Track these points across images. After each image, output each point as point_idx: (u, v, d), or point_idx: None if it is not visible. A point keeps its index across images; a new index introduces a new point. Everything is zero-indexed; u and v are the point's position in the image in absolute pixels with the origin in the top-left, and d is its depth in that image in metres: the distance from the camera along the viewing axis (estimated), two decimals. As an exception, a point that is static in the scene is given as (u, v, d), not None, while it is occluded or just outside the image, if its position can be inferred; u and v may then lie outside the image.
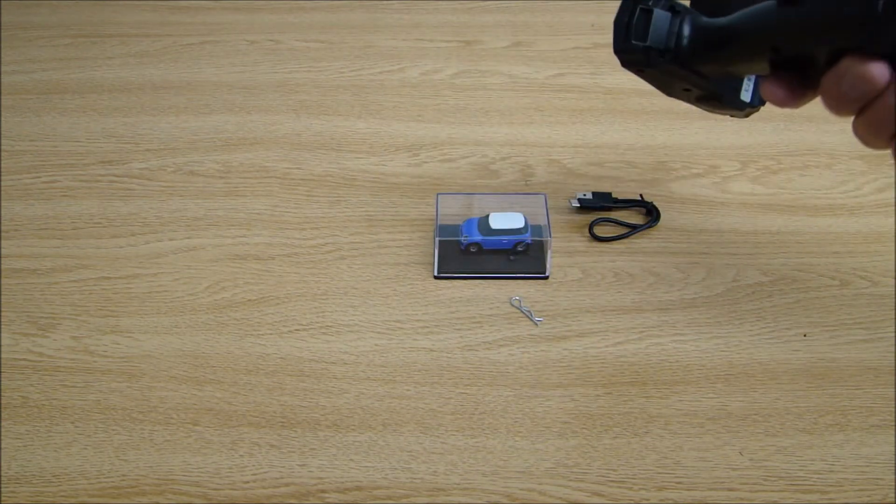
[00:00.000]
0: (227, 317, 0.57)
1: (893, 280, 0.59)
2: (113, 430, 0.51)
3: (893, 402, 0.52)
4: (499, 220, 0.59)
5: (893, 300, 0.58)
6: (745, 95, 0.50)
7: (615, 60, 0.50)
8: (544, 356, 0.55)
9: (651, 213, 0.64)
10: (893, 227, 0.63)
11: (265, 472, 0.49)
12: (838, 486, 0.48)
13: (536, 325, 0.57)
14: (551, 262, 0.60)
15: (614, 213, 0.64)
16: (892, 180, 0.67)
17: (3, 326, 0.57)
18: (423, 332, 0.56)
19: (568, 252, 0.61)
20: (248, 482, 0.49)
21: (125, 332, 0.56)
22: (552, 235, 0.61)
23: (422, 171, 0.68)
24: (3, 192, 0.66)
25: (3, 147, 0.71)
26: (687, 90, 0.50)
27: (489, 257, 0.60)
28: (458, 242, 0.60)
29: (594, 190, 0.65)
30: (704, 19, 0.46)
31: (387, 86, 0.77)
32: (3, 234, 0.63)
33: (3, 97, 0.76)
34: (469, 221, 0.60)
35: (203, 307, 0.58)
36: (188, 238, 0.62)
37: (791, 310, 0.57)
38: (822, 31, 0.37)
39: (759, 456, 0.50)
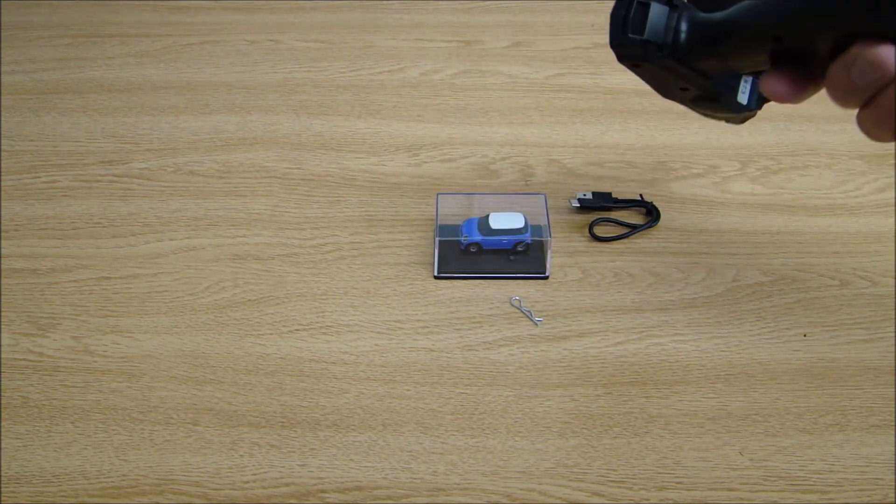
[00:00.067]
0: (227, 317, 0.57)
1: (893, 280, 0.59)
2: (113, 430, 0.51)
3: (893, 402, 0.52)
4: (499, 220, 0.59)
5: (893, 300, 0.58)
6: (742, 97, 0.49)
7: (615, 60, 0.50)
8: (544, 356, 0.55)
9: (651, 213, 0.64)
10: (893, 227, 0.63)
11: (265, 472, 0.49)
12: (838, 486, 0.48)
13: (536, 325, 0.57)
14: (551, 262, 0.60)
15: (614, 213, 0.64)
16: (892, 180, 0.67)
17: (3, 326, 0.57)
18: (423, 332, 0.56)
19: (568, 252, 0.61)
20: (248, 482, 0.49)
21: (125, 332, 0.56)
22: (552, 235, 0.61)
23: (422, 171, 0.68)
24: (3, 192, 0.66)
25: (3, 147, 0.71)
26: (684, 89, 0.49)
27: (489, 257, 0.60)
28: (458, 242, 0.60)
29: (594, 190, 0.65)
30: (702, 14, 0.45)
31: (387, 86, 0.77)
32: (3, 234, 0.63)
33: (3, 97, 0.76)
34: (469, 221, 0.60)
35: (203, 307, 0.58)
36: (188, 238, 0.62)
37: (791, 310, 0.57)
38: (828, 17, 0.35)
39: (759, 456, 0.50)
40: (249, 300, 0.58)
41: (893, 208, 0.64)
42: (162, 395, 0.53)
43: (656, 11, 0.46)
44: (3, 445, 0.50)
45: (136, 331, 0.56)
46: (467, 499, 0.48)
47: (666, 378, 0.53)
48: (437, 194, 0.63)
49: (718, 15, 0.43)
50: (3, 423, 0.51)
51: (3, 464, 0.49)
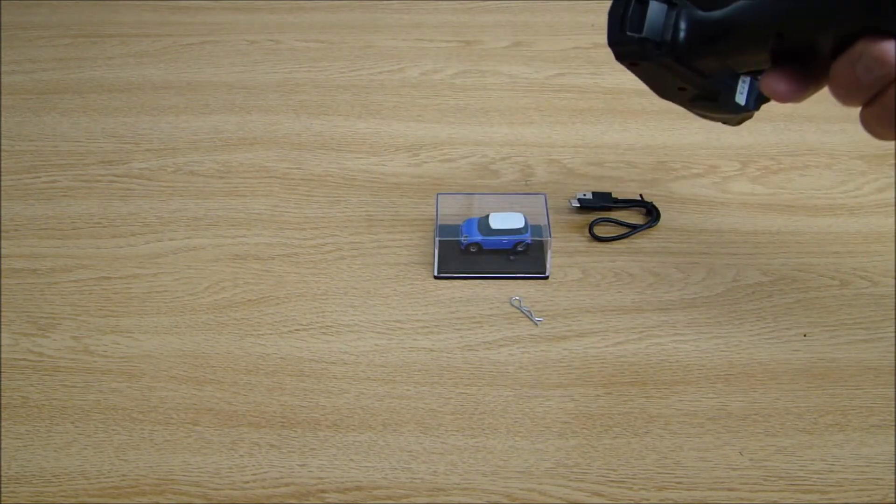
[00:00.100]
0: (227, 317, 0.57)
1: (893, 280, 0.59)
2: (113, 430, 0.51)
3: (893, 402, 0.52)
4: (499, 220, 0.59)
5: (893, 300, 0.58)
6: (741, 98, 0.48)
7: (615, 60, 0.50)
8: (544, 356, 0.55)
9: (651, 213, 0.64)
10: (893, 227, 0.63)
11: (265, 472, 0.49)
12: (838, 486, 0.48)
13: (536, 325, 0.57)
14: (551, 262, 0.60)
15: (614, 213, 0.64)
16: (892, 180, 0.67)
17: (3, 326, 0.57)
18: (423, 332, 0.56)
19: (568, 252, 0.61)
20: (248, 482, 0.49)
21: (125, 332, 0.56)
22: (552, 235, 0.61)
23: (422, 171, 0.68)
24: (3, 192, 0.66)
25: (3, 147, 0.71)
26: (682, 89, 0.48)
27: (489, 257, 0.60)
28: (458, 242, 0.60)
29: (594, 190, 0.65)
30: (701, 12, 0.44)
31: (387, 86, 0.77)
32: (3, 234, 0.63)
33: (3, 97, 0.76)
34: (469, 221, 0.60)
35: (203, 307, 0.58)
36: (188, 238, 0.62)
37: (791, 310, 0.57)
38: (832, 14, 0.35)
39: (759, 456, 0.50)
40: (249, 300, 0.58)
41: (893, 208, 0.64)
42: (162, 395, 0.53)
43: (655, 9, 0.45)
44: (3, 445, 0.50)
45: (136, 331, 0.56)
46: (467, 499, 0.48)
47: (666, 378, 0.53)
48: (437, 194, 0.63)
49: (718, 13, 0.43)
50: (3, 423, 0.51)
51: (3, 464, 0.49)
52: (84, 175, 0.68)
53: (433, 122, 0.73)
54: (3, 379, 0.54)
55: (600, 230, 0.63)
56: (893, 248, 0.61)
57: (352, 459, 0.50)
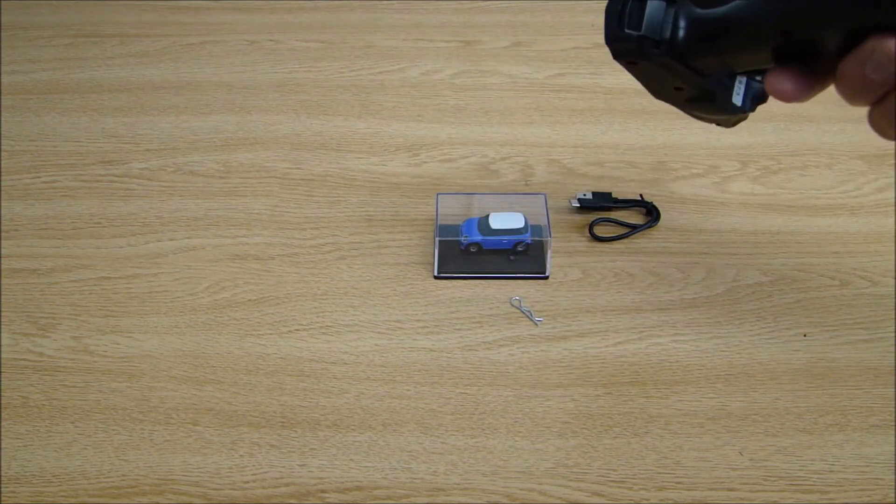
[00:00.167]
0: (227, 317, 0.57)
1: (893, 280, 0.59)
2: (113, 430, 0.51)
3: (893, 402, 0.52)
4: (499, 220, 0.59)
5: (893, 300, 0.58)
6: (737, 98, 0.46)
7: (613, 59, 0.49)
8: (544, 356, 0.55)
9: (651, 213, 0.64)
10: (893, 227, 0.63)
11: (265, 472, 0.49)
12: (838, 486, 0.48)
13: (536, 325, 0.57)
14: (551, 262, 0.60)
15: (614, 213, 0.64)
16: (892, 180, 0.67)
17: (3, 326, 0.57)
18: (423, 332, 0.56)
19: (568, 252, 0.61)
20: (248, 482, 0.49)
21: (125, 332, 0.56)
22: (552, 235, 0.61)
23: (422, 171, 0.68)
24: (3, 192, 0.66)
25: (3, 147, 0.71)
26: (679, 89, 0.48)
27: (489, 257, 0.60)
28: (458, 242, 0.60)
29: (594, 190, 0.65)
30: (701, 10, 0.43)
31: (387, 86, 0.77)
32: (3, 234, 0.63)
33: (3, 97, 0.76)
34: (469, 221, 0.60)
35: (203, 307, 0.58)
36: (188, 238, 0.62)
37: (791, 310, 0.57)
38: (843, 9, 0.34)
39: (759, 456, 0.50)
40: (249, 300, 0.58)
41: (893, 208, 0.64)
42: (162, 395, 0.53)
43: (653, 6, 0.44)
44: (3, 445, 0.50)
45: (136, 331, 0.56)
46: (467, 499, 0.48)
47: (666, 378, 0.53)
48: (437, 194, 0.63)
49: (719, 10, 0.42)
50: (3, 423, 0.51)
51: (3, 464, 0.49)
52: (84, 175, 0.68)
53: (433, 122, 0.73)
54: (3, 379, 0.54)
55: (600, 230, 0.63)
56: (893, 248, 0.61)
57: (352, 459, 0.50)
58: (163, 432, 0.51)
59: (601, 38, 0.48)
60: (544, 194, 0.62)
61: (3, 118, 0.74)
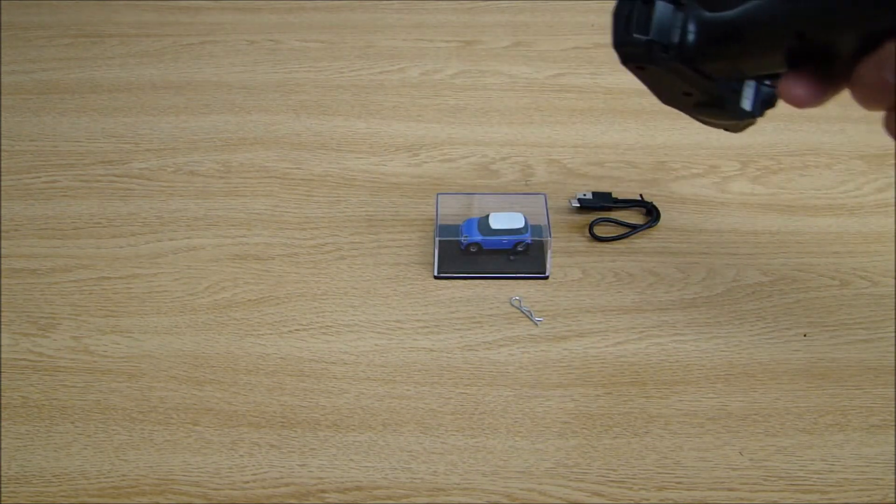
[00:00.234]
0: (227, 317, 0.57)
1: (893, 280, 0.59)
2: (113, 430, 0.51)
3: (893, 402, 0.52)
4: (499, 220, 0.59)
5: (893, 300, 0.58)
6: (746, 103, 0.45)
7: (615, 60, 0.49)
8: (544, 356, 0.55)
9: (651, 213, 0.64)
10: (893, 227, 0.63)
11: (265, 472, 0.49)
12: (838, 486, 0.48)
13: (536, 325, 0.57)
14: (551, 262, 0.60)
15: (614, 213, 0.64)
16: (892, 180, 0.67)
17: (3, 326, 0.57)
18: (423, 332, 0.56)
19: (568, 252, 0.61)
20: (248, 482, 0.49)
21: (125, 332, 0.56)
22: (552, 235, 0.61)
23: (422, 171, 0.68)
24: (3, 192, 0.66)
25: (3, 147, 0.71)
26: (687, 94, 0.46)
27: (489, 257, 0.60)
28: (458, 242, 0.60)
29: (594, 190, 0.65)
30: (711, 14, 0.42)
31: (387, 86, 0.77)
32: (3, 234, 0.63)
33: (3, 97, 0.76)
34: (469, 221, 0.60)
35: (203, 307, 0.58)
36: (188, 238, 0.62)
37: (791, 310, 0.57)
38: (862, 11, 0.33)
39: (759, 456, 0.50)
40: (249, 300, 0.58)
41: (893, 208, 0.64)
42: (162, 395, 0.53)
43: (662, 10, 0.43)
44: (3, 445, 0.50)
45: (136, 331, 0.56)
46: (467, 499, 0.48)
47: (666, 378, 0.53)
48: (437, 194, 0.63)
49: (730, 13, 0.40)
50: (3, 423, 0.51)
51: (3, 464, 0.49)
52: (84, 175, 0.68)
53: (433, 122, 0.73)
54: (3, 379, 0.54)
55: (600, 230, 0.63)
56: (893, 248, 0.61)
57: (352, 459, 0.50)
58: (163, 432, 0.51)
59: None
60: (544, 194, 0.62)
61: (3, 118, 0.74)
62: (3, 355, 0.55)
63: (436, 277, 0.60)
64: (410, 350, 0.55)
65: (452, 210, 0.62)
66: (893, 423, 0.51)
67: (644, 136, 0.71)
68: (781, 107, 0.43)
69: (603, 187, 0.66)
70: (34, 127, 0.73)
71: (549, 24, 0.85)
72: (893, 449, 0.50)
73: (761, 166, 0.68)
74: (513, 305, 0.58)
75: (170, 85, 0.77)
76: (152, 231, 0.63)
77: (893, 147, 0.69)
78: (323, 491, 0.48)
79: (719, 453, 0.50)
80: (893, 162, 0.68)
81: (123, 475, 0.49)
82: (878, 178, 0.67)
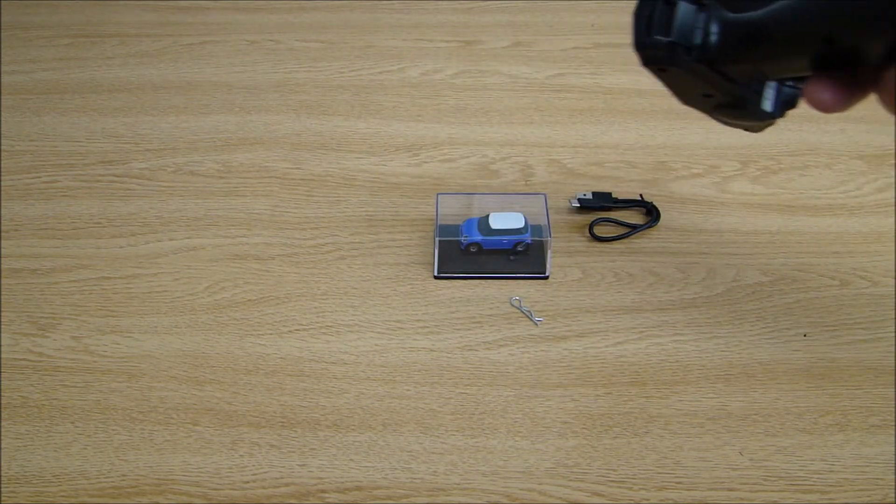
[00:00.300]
0: (227, 317, 0.57)
1: (893, 280, 0.59)
2: (113, 430, 0.51)
3: (893, 402, 0.52)
4: (499, 220, 0.59)
5: (893, 300, 0.58)
6: (767, 104, 0.43)
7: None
8: (544, 356, 0.55)
9: (651, 213, 0.64)
10: (893, 227, 0.63)
11: (265, 472, 0.49)
12: (838, 486, 0.48)
13: (536, 325, 0.57)
14: (551, 262, 0.60)
15: (614, 213, 0.64)
16: (892, 180, 0.67)
17: (3, 326, 0.57)
18: (423, 332, 0.56)
19: (568, 252, 0.61)
20: (248, 482, 0.49)
21: (125, 332, 0.56)
22: (552, 235, 0.61)
23: (422, 171, 0.68)
24: (3, 192, 0.66)
25: (3, 147, 0.71)
26: (708, 95, 0.45)
27: (489, 257, 0.60)
28: (458, 242, 0.60)
29: (594, 190, 0.65)
30: (734, 15, 0.41)
31: (387, 86, 0.77)
32: (3, 234, 0.63)
33: (3, 97, 0.76)
34: (469, 221, 0.60)
35: (203, 307, 0.58)
36: (188, 238, 0.62)
37: (791, 310, 0.57)
38: (894, 16, 0.32)
39: (759, 456, 0.50)
40: (249, 300, 0.58)
41: (893, 208, 0.64)
42: (162, 395, 0.53)
43: (684, 11, 0.42)
44: (3, 445, 0.50)
45: (136, 331, 0.56)
46: (467, 499, 0.48)
47: (666, 378, 0.53)
48: (437, 194, 0.63)
49: (754, 14, 0.39)
50: (3, 423, 0.51)
51: (3, 464, 0.49)
52: (84, 175, 0.68)
53: (433, 122, 0.73)
54: (3, 379, 0.54)
55: (600, 230, 0.63)
56: (893, 248, 0.61)
57: (352, 459, 0.50)
58: (163, 432, 0.51)
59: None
60: (544, 194, 0.62)
61: (3, 118, 0.74)
62: (3, 355, 0.55)
63: (436, 277, 0.60)
64: (410, 350, 0.55)
65: (452, 210, 0.62)
66: (893, 423, 0.51)
67: (644, 136, 0.71)
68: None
69: (603, 187, 0.66)
70: (34, 127, 0.73)
71: (549, 24, 0.85)
72: (893, 449, 0.50)
73: (761, 166, 0.68)
74: (513, 305, 0.58)
75: (170, 85, 0.77)
76: (152, 231, 0.63)
77: (893, 147, 0.69)
78: (323, 491, 0.48)
79: (719, 453, 0.50)
80: (893, 162, 0.68)
81: (123, 475, 0.49)
82: (878, 178, 0.67)
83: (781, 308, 0.57)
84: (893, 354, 0.54)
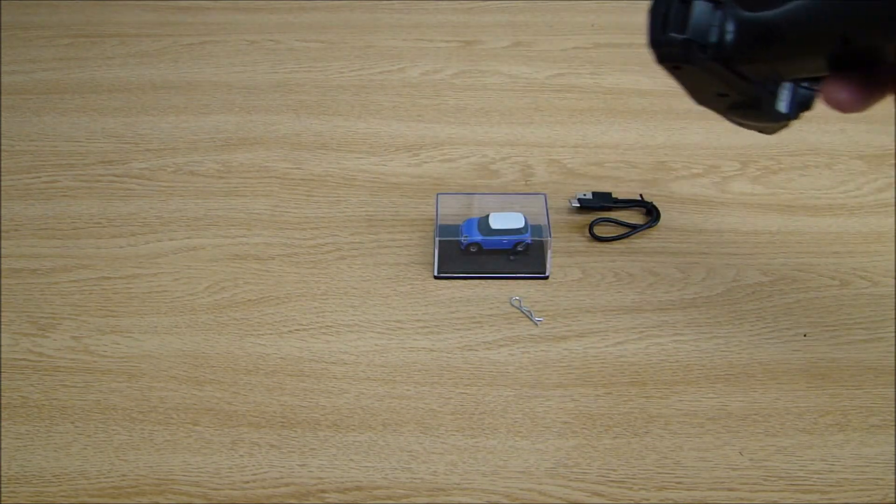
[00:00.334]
0: (227, 317, 0.57)
1: (893, 280, 0.59)
2: (113, 430, 0.51)
3: (893, 402, 0.52)
4: (499, 220, 0.59)
5: (893, 300, 0.58)
6: (782, 105, 0.43)
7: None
8: (544, 356, 0.55)
9: (651, 213, 0.64)
10: (893, 227, 0.63)
11: (265, 472, 0.49)
12: (838, 486, 0.48)
13: (536, 325, 0.57)
14: (551, 262, 0.60)
15: (614, 213, 0.64)
16: (892, 180, 0.67)
17: (3, 326, 0.57)
18: (423, 332, 0.56)
19: (568, 252, 0.61)
20: (248, 482, 0.49)
21: (125, 332, 0.56)
22: (552, 235, 0.61)
23: (422, 171, 0.68)
24: (3, 192, 0.66)
25: (3, 147, 0.71)
26: (723, 95, 0.45)
27: (489, 257, 0.60)
28: (458, 242, 0.60)
29: (594, 190, 0.65)
30: (750, 13, 0.40)
31: (387, 86, 0.77)
32: (3, 234, 0.63)
33: (3, 97, 0.76)
34: (469, 221, 0.60)
35: (203, 307, 0.58)
36: (188, 238, 0.62)
37: (791, 310, 0.57)
38: None
39: (759, 456, 0.50)
40: (249, 300, 0.58)
41: (893, 208, 0.64)
42: (162, 395, 0.53)
43: (700, 8, 0.41)
44: (3, 445, 0.50)
45: (136, 331, 0.56)
46: (467, 499, 0.48)
47: (666, 378, 0.53)
48: (437, 194, 0.63)
49: (771, 13, 0.39)
50: (3, 423, 0.51)
51: (3, 464, 0.49)
52: (84, 175, 0.68)
53: (433, 122, 0.73)
54: (3, 379, 0.54)
55: (600, 230, 0.63)
56: (893, 248, 0.61)
57: (352, 459, 0.50)
58: (163, 432, 0.51)
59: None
60: (544, 194, 0.62)
61: (3, 118, 0.74)
62: (3, 355, 0.55)
63: (436, 277, 0.60)
64: (410, 350, 0.55)
65: (452, 210, 0.62)
66: (893, 423, 0.51)
67: (644, 136, 0.71)
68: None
69: (603, 187, 0.66)
70: (34, 127, 0.73)
71: (549, 24, 0.85)
72: (893, 449, 0.50)
73: (761, 166, 0.68)
74: (513, 305, 0.58)
75: (170, 85, 0.77)
76: (152, 231, 0.63)
77: (893, 147, 0.69)
78: (323, 491, 0.48)
79: (719, 453, 0.50)
80: (893, 162, 0.68)
81: (123, 475, 0.49)
82: (878, 178, 0.67)
83: (781, 308, 0.57)
84: (893, 354, 0.54)
